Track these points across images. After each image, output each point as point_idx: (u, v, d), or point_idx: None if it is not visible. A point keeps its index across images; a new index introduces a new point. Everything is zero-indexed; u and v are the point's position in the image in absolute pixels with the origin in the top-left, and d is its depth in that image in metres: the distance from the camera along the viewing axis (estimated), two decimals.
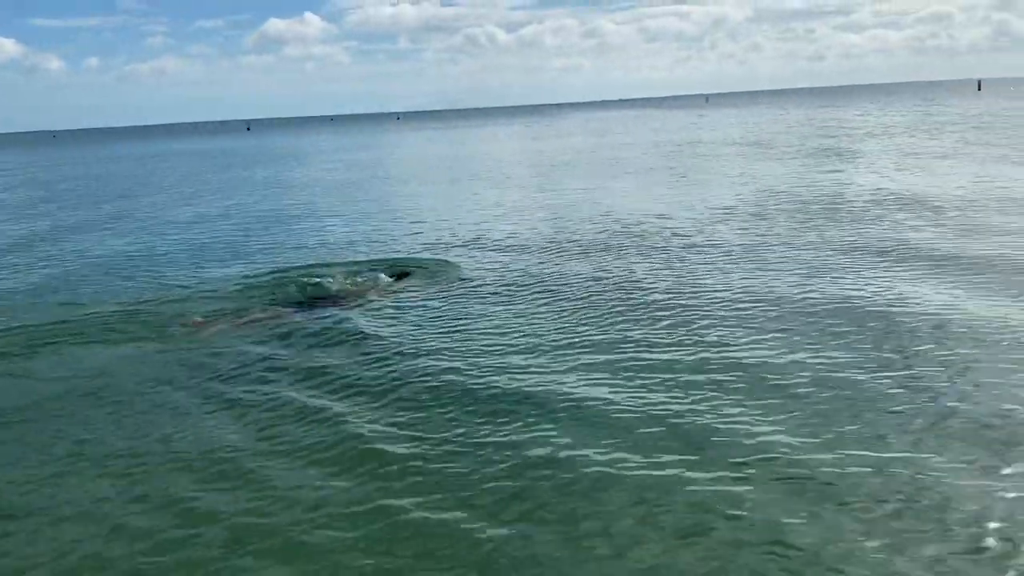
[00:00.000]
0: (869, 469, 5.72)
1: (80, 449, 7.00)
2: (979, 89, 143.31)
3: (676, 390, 7.45)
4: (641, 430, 6.58)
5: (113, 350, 9.91)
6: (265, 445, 6.82)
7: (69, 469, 6.61)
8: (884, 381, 7.38)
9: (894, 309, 9.66)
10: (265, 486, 6.05)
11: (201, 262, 15.98)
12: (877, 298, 10.24)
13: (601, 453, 6.17)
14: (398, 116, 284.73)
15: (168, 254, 17.22)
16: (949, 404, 6.78)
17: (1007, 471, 5.61)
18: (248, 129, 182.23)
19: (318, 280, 13.19)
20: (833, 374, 7.63)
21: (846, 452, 5.99)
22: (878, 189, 20.54)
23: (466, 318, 10.52)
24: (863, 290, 10.68)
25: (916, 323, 9.06)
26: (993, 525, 4.96)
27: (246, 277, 14.06)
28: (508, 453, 6.34)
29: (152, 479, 6.32)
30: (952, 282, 10.79)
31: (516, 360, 8.62)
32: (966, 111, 62.82)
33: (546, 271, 13.22)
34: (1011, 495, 5.30)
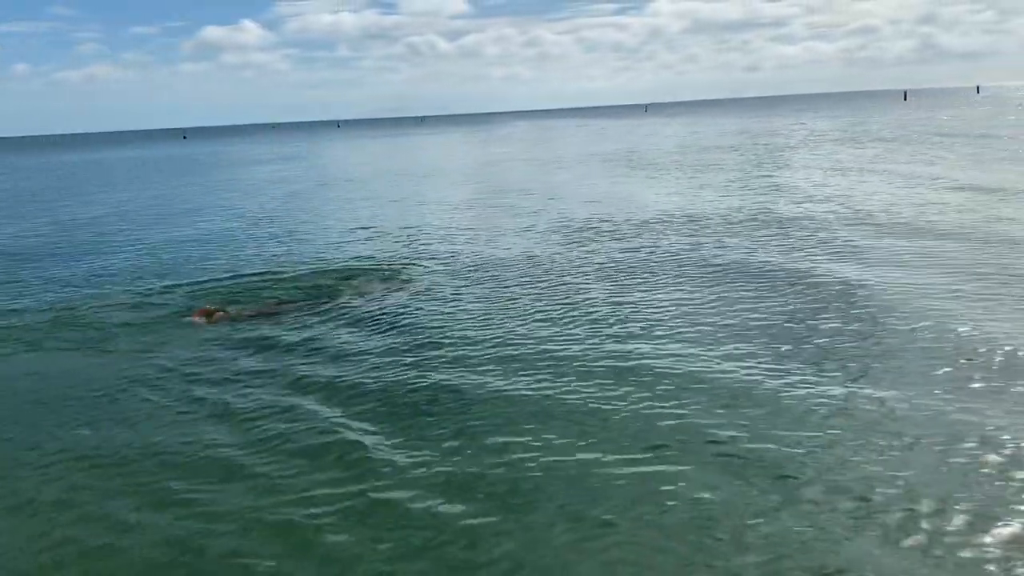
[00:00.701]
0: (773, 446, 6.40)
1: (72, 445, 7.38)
2: (905, 99, 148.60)
3: (582, 382, 8.07)
4: (570, 423, 7.17)
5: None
6: (254, 437, 7.29)
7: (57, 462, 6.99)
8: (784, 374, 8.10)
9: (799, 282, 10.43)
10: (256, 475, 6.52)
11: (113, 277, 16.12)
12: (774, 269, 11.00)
13: (549, 446, 6.71)
14: (339, 124, 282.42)
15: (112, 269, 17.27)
16: (850, 392, 7.52)
17: (905, 441, 6.33)
18: (184, 137, 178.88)
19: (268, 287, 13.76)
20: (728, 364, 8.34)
21: (757, 432, 6.67)
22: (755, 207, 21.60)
23: (426, 318, 11.09)
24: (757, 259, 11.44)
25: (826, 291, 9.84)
26: (885, 490, 5.66)
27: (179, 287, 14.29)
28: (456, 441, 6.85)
29: (137, 470, 6.71)
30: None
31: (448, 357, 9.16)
32: (883, 123, 65.35)
33: (495, 272, 13.92)
34: (909, 472, 6.00)
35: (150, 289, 14.04)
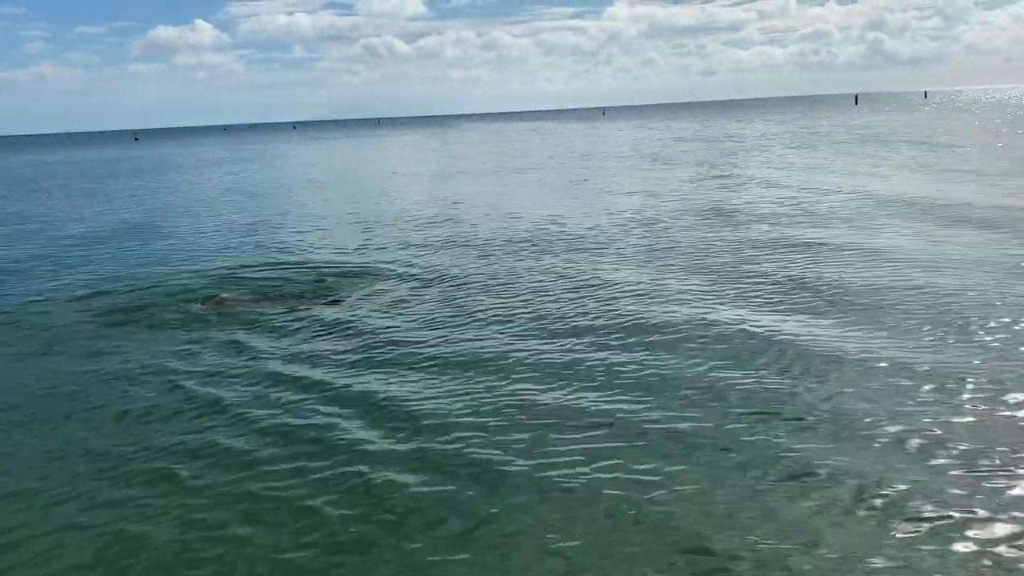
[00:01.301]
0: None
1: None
2: (856, 103, 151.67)
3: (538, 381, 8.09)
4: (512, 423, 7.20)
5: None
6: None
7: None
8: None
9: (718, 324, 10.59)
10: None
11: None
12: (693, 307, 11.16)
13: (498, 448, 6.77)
14: (295, 125, 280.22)
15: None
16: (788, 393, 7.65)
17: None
18: (136, 139, 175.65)
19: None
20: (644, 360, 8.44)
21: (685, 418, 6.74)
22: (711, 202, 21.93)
23: (359, 325, 11.04)
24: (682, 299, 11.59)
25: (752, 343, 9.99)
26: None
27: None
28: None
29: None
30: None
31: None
32: (832, 125, 66.65)
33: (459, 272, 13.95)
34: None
35: None
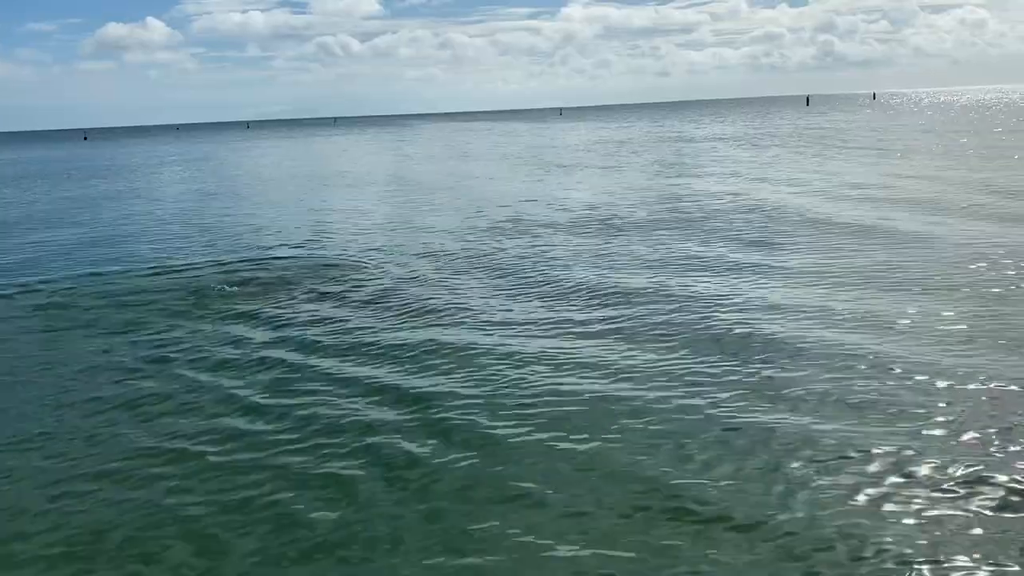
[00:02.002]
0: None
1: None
2: (807, 104, 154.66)
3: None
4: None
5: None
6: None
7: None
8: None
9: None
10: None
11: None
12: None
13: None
14: (248, 124, 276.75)
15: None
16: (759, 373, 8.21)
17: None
18: (85, 138, 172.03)
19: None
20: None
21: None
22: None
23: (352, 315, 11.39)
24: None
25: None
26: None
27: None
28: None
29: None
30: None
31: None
32: (780, 126, 68.13)
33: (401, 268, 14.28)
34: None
35: None
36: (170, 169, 52.69)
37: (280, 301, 12.47)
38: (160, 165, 57.88)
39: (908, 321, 9.72)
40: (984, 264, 12.54)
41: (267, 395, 8.33)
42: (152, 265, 16.19)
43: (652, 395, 7.71)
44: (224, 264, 15.93)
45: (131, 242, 19.91)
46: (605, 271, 13.55)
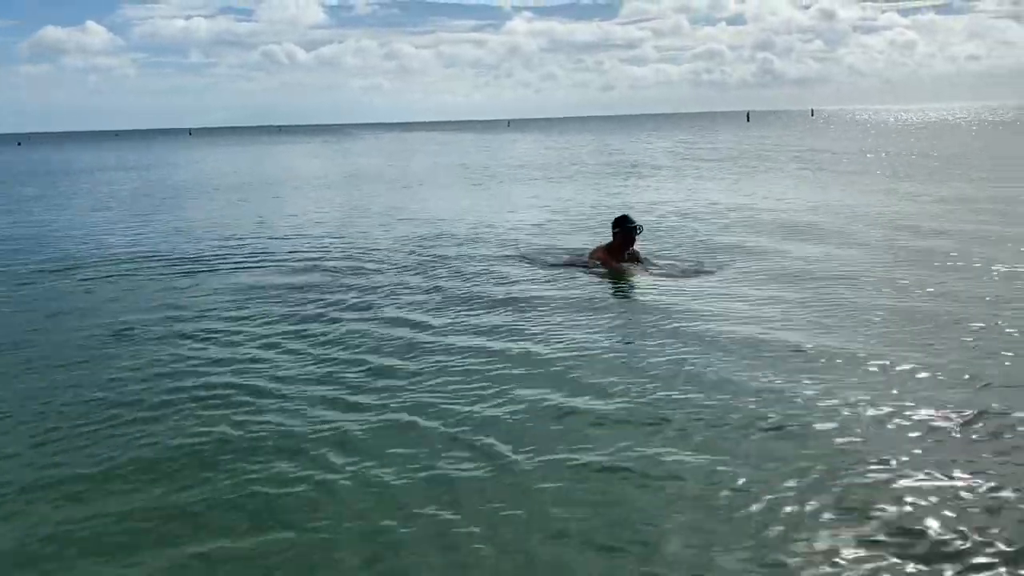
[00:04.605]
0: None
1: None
2: (748, 120, 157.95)
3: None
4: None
5: None
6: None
7: None
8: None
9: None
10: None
11: None
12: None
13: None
14: (190, 132, 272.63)
15: None
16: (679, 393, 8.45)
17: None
18: (19, 144, 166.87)
19: None
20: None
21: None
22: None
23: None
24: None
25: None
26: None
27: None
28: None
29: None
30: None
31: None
32: (716, 142, 69.40)
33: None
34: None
35: None
36: (106, 175, 51.43)
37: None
38: (99, 171, 56.46)
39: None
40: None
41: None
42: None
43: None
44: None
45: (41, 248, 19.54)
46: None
